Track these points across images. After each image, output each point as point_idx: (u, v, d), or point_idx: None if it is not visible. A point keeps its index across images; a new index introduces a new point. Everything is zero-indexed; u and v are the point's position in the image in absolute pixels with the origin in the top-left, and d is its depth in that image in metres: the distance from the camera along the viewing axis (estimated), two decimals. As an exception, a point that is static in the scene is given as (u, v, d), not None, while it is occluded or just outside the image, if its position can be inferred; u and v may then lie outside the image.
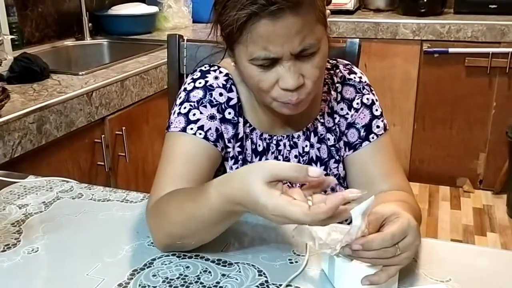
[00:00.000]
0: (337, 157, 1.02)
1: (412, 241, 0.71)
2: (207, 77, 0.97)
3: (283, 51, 0.81)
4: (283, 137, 1.00)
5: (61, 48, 2.29)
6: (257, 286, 0.75)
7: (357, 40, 1.23)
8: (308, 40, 0.82)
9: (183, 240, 0.80)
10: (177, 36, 1.30)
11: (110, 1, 2.64)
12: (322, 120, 1.01)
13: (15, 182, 1.09)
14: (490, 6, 2.76)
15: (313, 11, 0.82)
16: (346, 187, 1.04)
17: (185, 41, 1.30)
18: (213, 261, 0.80)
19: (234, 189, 0.69)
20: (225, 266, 0.79)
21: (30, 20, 2.17)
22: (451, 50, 2.65)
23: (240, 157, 0.98)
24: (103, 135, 1.67)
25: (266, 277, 0.77)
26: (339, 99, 1.02)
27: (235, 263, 0.80)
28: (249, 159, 0.99)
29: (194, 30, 2.65)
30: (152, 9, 2.59)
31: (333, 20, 2.79)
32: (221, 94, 0.96)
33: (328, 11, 0.89)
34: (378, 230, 0.72)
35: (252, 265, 0.79)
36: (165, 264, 0.80)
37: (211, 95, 0.95)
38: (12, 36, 1.93)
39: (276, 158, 1.00)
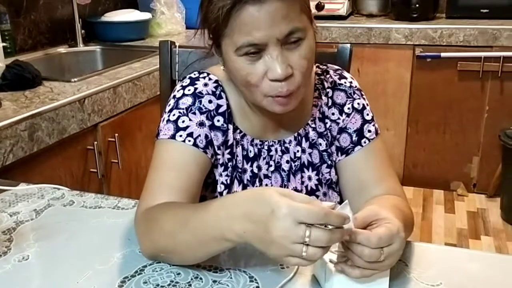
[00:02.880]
0: (329, 162, 1.02)
1: (397, 249, 0.71)
2: (196, 84, 0.97)
3: (268, 36, 0.81)
4: (275, 142, 1.00)
5: (54, 55, 2.29)
6: (248, 292, 0.75)
7: (348, 45, 1.23)
8: (294, 23, 0.82)
9: (166, 254, 0.79)
10: (169, 42, 1.30)
11: (103, 8, 2.65)
12: (313, 125, 1.02)
13: (6, 190, 1.08)
14: (481, 10, 2.78)
15: None
16: (339, 192, 1.04)
17: (177, 47, 1.31)
18: (204, 268, 0.80)
19: (242, 195, 0.72)
20: (216, 272, 0.79)
21: (23, 27, 2.17)
22: (443, 54, 2.67)
23: (230, 163, 0.98)
24: (95, 142, 1.66)
25: (257, 283, 0.76)
26: (330, 104, 1.02)
27: (226, 269, 0.80)
28: (240, 165, 0.99)
29: (187, 36, 2.65)
30: (145, 15, 2.59)
31: (326, 25, 2.81)
32: (210, 101, 0.96)
33: (314, 11, 0.90)
34: (365, 228, 0.72)
35: (243, 271, 0.79)
36: (156, 271, 0.80)
37: (200, 102, 0.95)
38: (5, 44, 1.92)
39: (267, 163, 1.00)
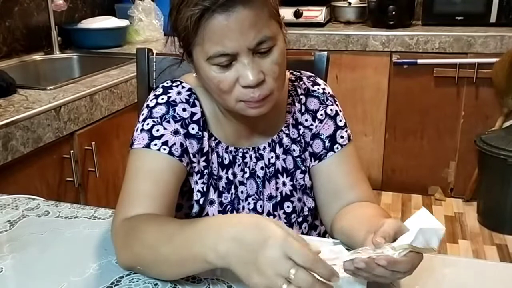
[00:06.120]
0: (303, 168, 1.03)
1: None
2: (169, 92, 0.96)
3: (239, 45, 0.82)
4: (249, 149, 1.01)
5: (30, 62, 2.25)
6: (226, 301, 0.74)
7: (325, 53, 1.24)
8: (263, 33, 0.83)
9: (144, 268, 0.78)
10: (146, 50, 1.29)
11: (80, 14, 2.62)
12: (287, 132, 1.02)
13: (-21, 201, 1.06)
14: (456, 18, 2.83)
15: (265, 5, 0.84)
16: (313, 197, 1.04)
17: (154, 54, 1.30)
18: (182, 278, 0.79)
19: (236, 217, 0.73)
20: (194, 282, 0.79)
21: (-3, 34, 2.14)
22: (419, 61, 2.71)
23: (205, 171, 0.98)
24: (72, 151, 1.64)
25: (235, 292, 0.76)
26: (303, 110, 1.03)
27: (205, 279, 0.79)
28: (215, 172, 0.99)
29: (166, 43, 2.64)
30: (123, 22, 2.58)
31: (304, 32, 2.83)
32: (184, 109, 0.95)
33: (283, 15, 0.90)
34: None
35: (222, 280, 0.79)
36: (133, 282, 0.79)
37: (174, 110, 0.95)
38: (-22, 51, 1.89)
39: (242, 170, 1.01)
